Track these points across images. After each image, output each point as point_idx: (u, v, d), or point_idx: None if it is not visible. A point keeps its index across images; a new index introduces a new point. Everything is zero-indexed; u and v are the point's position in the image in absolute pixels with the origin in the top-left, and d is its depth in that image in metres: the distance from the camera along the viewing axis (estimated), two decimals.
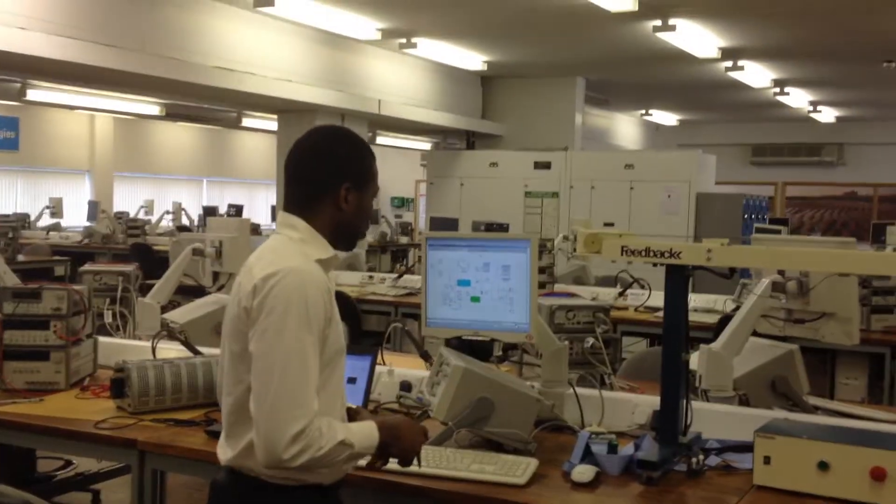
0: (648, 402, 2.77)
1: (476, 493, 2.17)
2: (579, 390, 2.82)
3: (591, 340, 3.11)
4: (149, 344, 3.32)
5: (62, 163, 14.97)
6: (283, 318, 1.86)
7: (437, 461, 2.30)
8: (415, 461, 2.10)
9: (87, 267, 4.06)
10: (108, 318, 3.78)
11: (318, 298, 1.91)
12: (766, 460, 2.24)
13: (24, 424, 2.73)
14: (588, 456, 2.38)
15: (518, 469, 2.25)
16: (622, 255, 2.45)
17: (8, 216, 11.84)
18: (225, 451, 2.01)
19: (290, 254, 1.98)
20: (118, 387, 2.83)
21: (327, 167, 2.06)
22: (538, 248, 2.79)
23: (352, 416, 2.13)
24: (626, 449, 2.42)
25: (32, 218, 12.57)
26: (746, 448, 2.46)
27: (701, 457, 2.39)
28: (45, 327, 3.09)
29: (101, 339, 3.51)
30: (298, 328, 1.87)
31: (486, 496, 2.16)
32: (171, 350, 3.32)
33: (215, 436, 2.51)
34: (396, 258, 12.45)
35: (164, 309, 3.88)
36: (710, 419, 2.63)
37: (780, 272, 3.02)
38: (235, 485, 1.98)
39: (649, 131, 16.44)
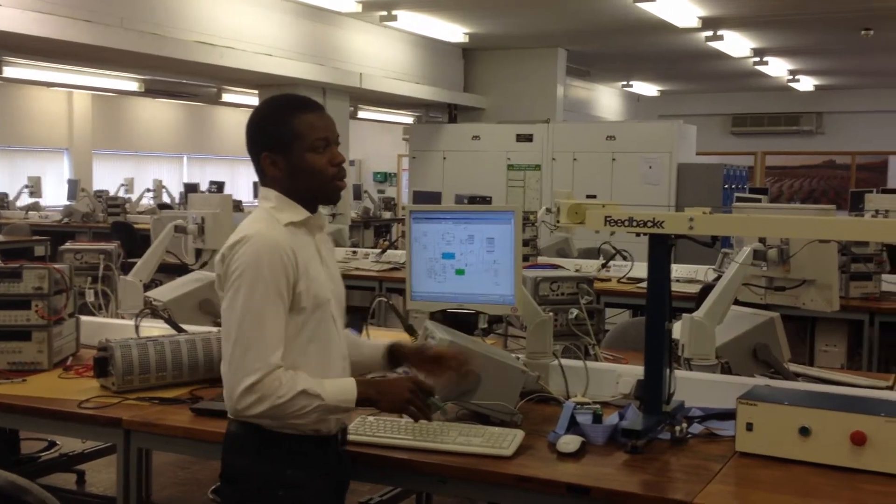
0: (632, 371, 2.79)
1: (463, 465, 2.19)
2: (564, 361, 2.84)
3: (575, 312, 3.12)
4: (132, 322, 3.30)
5: (40, 141, 14.80)
6: (239, 281, 2.02)
7: (423, 434, 2.31)
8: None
9: (67, 245, 4.03)
10: (90, 297, 3.75)
11: (274, 260, 2.03)
12: (749, 427, 2.26)
13: (7, 405, 2.70)
14: (573, 426, 2.39)
15: (504, 441, 2.27)
16: (605, 225, 2.45)
17: None
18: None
19: (257, 221, 2.11)
20: (102, 366, 2.82)
21: (250, 143, 2.19)
22: (521, 220, 2.79)
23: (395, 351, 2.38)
24: (611, 418, 2.43)
25: (11, 197, 12.45)
26: (729, 415, 2.49)
27: (684, 425, 2.41)
28: (27, 307, 3.06)
29: (84, 318, 3.49)
30: (253, 289, 2.01)
31: (473, 468, 2.17)
32: (154, 328, 3.31)
33: (201, 413, 2.54)
34: (379, 233, 12.42)
35: (147, 287, 3.86)
36: (693, 387, 2.65)
37: (761, 240, 3.04)
38: (241, 431, 2.10)
39: (630, 102, 16.43)
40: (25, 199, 12.25)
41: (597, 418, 2.42)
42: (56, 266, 3.18)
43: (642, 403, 2.48)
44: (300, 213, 2.16)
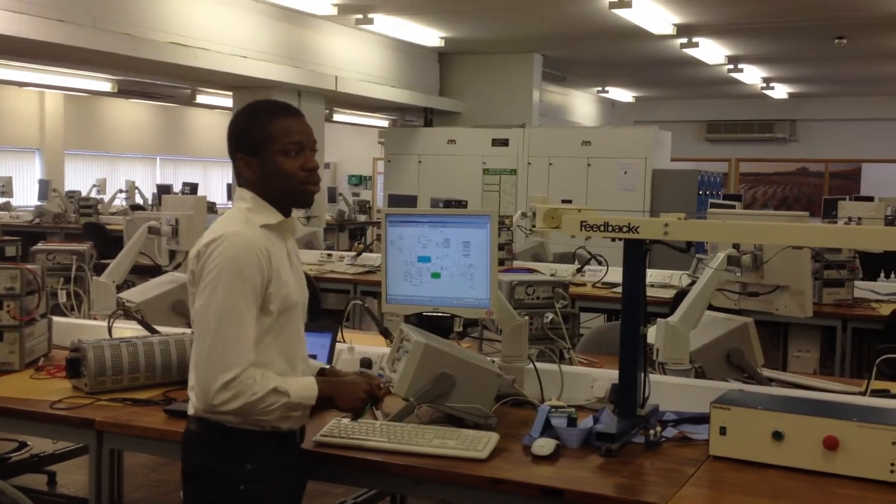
0: (607, 375, 2.81)
1: (437, 468, 2.18)
2: (539, 365, 2.85)
3: (550, 315, 3.12)
4: (104, 324, 3.27)
5: (11, 141, 14.62)
6: (217, 278, 2.05)
7: (398, 436, 2.31)
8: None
9: (39, 246, 3.98)
10: (62, 298, 3.71)
11: (251, 261, 2.08)
12: (722, 431, 2.28)
13: None
14: (548, 429, 2.40)
15: (479, 443, 2.27)
16: (581, 230, 2.47)
17: None
18: (192, 403, 2.15)
19: (233, 221, 2.14)
20: (74, 366, 2.79)
21: (229, 145, 2.23)
22: (497, 224, 2.79)
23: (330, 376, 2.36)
24: (586, 422, 2.44)
25: None
26: (703, 419, 2.51)
27: (658, 429, 2.43)
28: None
29: (56, 318, 3.46)
30: (231, 287, 2.05)
31: (447, 470, 2.17)
32: (127, 329, 3.28)
33: (174, 415, 2.52)
34: (354, 236, 12.40)
35: (120, 288, 3.83)
36: (667, 392, 2.67)
37: (735, 246, 3.07)
38: (201, 428, 2.13)
39: (605, 108, 16.53)
40: None
41: (571, 422, 2.43)
42: (28, 266, 3.15)
43: (617, 407, 2.49)
44: (274, 216, 2.21)
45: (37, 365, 3.10)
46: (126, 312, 3.35)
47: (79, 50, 6.92)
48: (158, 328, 3.23)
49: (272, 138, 2.17)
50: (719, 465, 2.24)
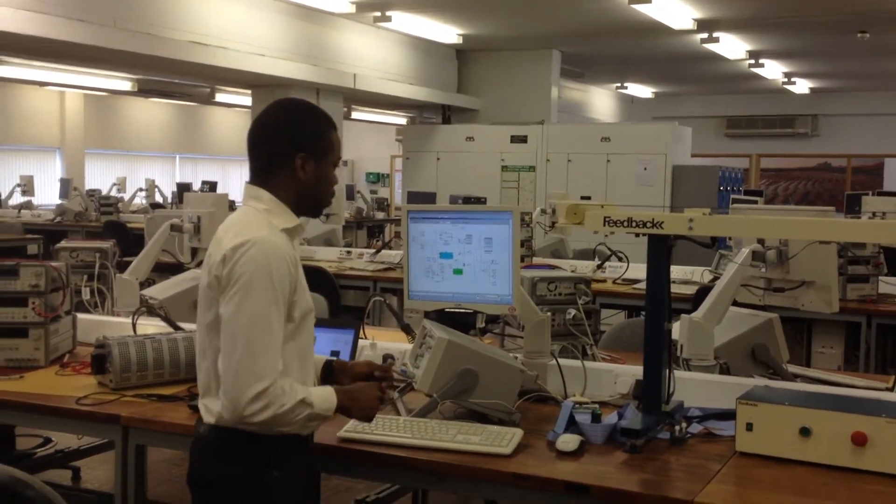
0: (630, 371, 2.80)
1: (462, 464, 2.18)
2: (562, 361, 2.84)
3: (572, 312, 3.12)
4: (128, 320, 3.28)
5: (32, 140, 14.74)
6: (248, 285, 1.99)
7: (422, 432, 2.31)
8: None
9: (63, 244, 4.01)
10: (86, 295, 3.74)
11: (282, 268, 2.04)
12: (749, 427, 2.26)
13: (5, 401, 2.69)
14: (572, 425, 2.39)
15: (503, 439, 2.26)
16: (604, 225, 2.45)
17: None
18: (206, 410, 2.12)
19: (256, 224, 2.08)
20: (99, 363, 2.80)
21: (282, 139, 2.16)
22: (519, 220, 2.78)
23: (338, 369, 2.37)
24: (610, 418, 2.43)
25: (3, 196, 12.39)
26: (728, 415, 2.49)
27: (683, 425, 2.41)
28: (24, 304, 3.05)
29: (80, 315, 3.48)
30: (263, 295, 2.00)
31: (472, 466, 2.17)
32: (150, 326, 3.29)
33: (199, 410, 2.51)
34: (373, 234, 12.41)
35: (142, 286, 3.85)
36: (692, 388, 2.65)
37: (760, 241, 3.04)
38: (219, 435, 2.08)
39: (624, 104, 16.45)
40: (18, 198, 12.19)
41: (595, 418, 2.42)
42: (53, 264, 3.17)
43: (641, 403, 2.48)
44: (292, 220, 2.17)
45: (62, 361, 3.13)
46: (149, 309, 3.36)
47: (99, 49, 6.97)
48: (181, 325, 3.24)
49: (332, 148, 2.21)
50: (745, 462, 2.23)
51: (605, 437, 2.35)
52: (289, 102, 2.27)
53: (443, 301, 2.79)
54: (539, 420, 2.54)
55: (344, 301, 6.51)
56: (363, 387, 2.25)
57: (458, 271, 2.75)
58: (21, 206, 12.08)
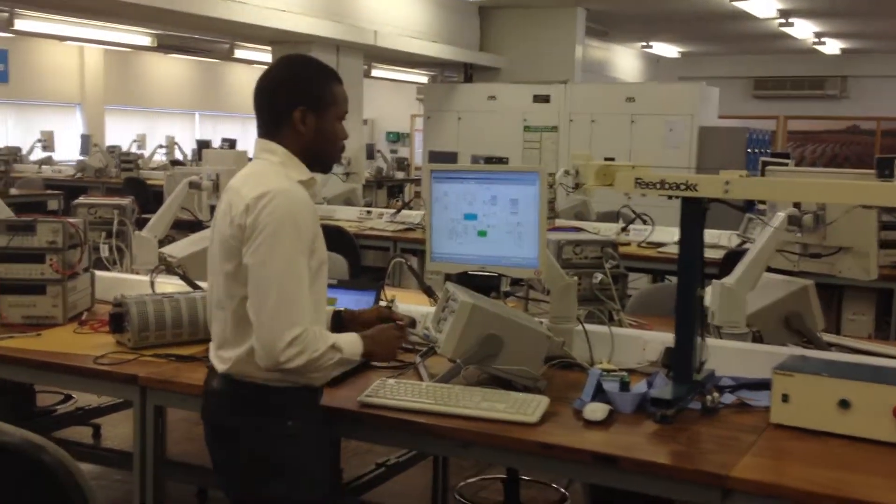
0: (659, 338, 2.71)
1: (487, 432, 2.12)
2: (588, 327, 2.76)
3: (599, 276, 3.03)
4: (146, 278, 3.24)
5: (53, 95, 14.71)
6: (276, 233, 2.02)
7: (445, 398, 2.25)
8: None
9: (81, 200, 3.96)
10: (104, 253, 3.68)
11: (306, 216, 2.07)
12: (785, 398, 2.18)
13: (22, 359, 2.66)
14: (600, 394, 2.32)
15: (529, 407, 2.20)
16: (636, 187, 2.36)
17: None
18: (222, 361, 2.14)
19: (275, 176, 2.11)
20: (117, 322, 2.76)
21: (281, 92, 2.19)
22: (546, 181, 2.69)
23: (347, 318, 2.44)
24: (639, 386, 2.36)
25: (24, 151, 12.38)
26: (762, 385, 2.42)
27: (715, 395, 2.33)
28: (41, 260, 3.01)
29: (98, 273, 3.44)
30: (291, 243, 2.03)
31: (497, 434, 2.10)
32: (169, 284, 3.25)
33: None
34: (392, 193, 12.32)
35: (161, 244, 3.79)
36: (724, 356, 2.57)
37: (796, 205, 2.93)
38: (234, 389, 2.12)
39: (650, 64, 16.18)
40: (39, 154, 12.18)
41: (624, 386, 2.34)
42: (71, 220, 3.12)
43: (671, 371, 2.40)
44: (305, 173, 2.21)
45: (80, 319, 3.09)
46: (168, 267, 3.31)
47: (118, 3, 6.87)
48: (200, 283, 3.19)
49: (335, 101, 2.22)
50: (781, 434, 2.15)
51: (633, 406, 2.28)
52: (289, 57, 2.31)
53: (466, 263, 2.71)
54: (565, 387, 2.47)
55: (364, 261, 6.46)
56: (383, 329, 2.32)
57: (482, 233, 2.67)
58: (42, 162, 12.08)
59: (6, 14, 8.52)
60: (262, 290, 2.02)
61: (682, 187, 2.30)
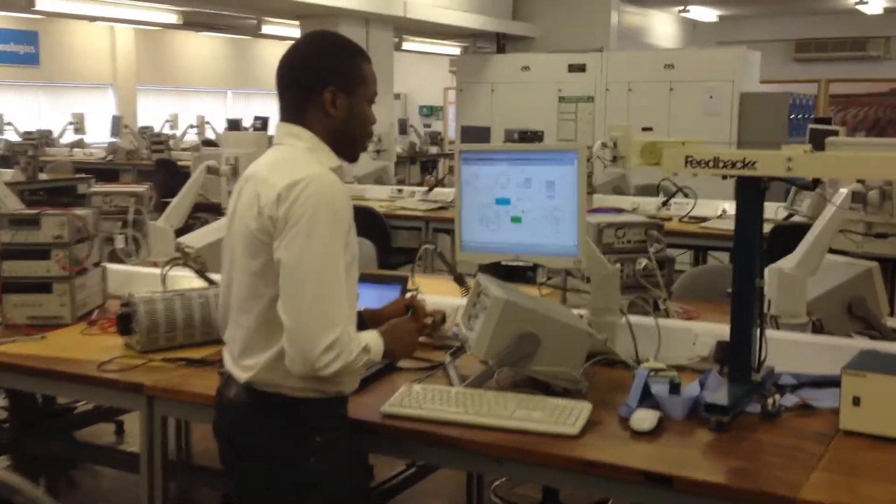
0: (711, 330, 2.48)
1: (522, 446, 1.90)
2: (632, 319, 2.52)
3: (643, 262, 2.79)
4: (162, 272, 3.06)
5: (84, 77, 14.67)
6: (312, 224, 1.83)
7: (476, 407, 2.04)
8: None
9: (96, 188, 3.79)
10: (119, 244, 3.51)
11: (344, 204, 1.89)
12: (856, 401, 1.95)
13: (22, 367, 2.49)
14: (647, 397, 2.10)
15: (569, 416, 1.98)
16: (686, 166, 2.12)
17: (31, 133, 11.65)
18: (243, 369, 1.95)
19: (305, 162, 1.93)
20: (124, 323, 2.58)
21: (310, 72, 2.00)
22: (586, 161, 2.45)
23: (370, 318, 2.22)
24: (691, 388, 2.13)
25: (56, 134, 12.33)
26: (826, 383, 2.19)
27: (776, 396, 2.10)
28: (46, 257, 2.83)
29: (112, 266, 3.27)
30: (328, 235, 1.84)
31: (534, 449, 1.89)
32: (187, 277, 3.07)
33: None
34: (426, 169, 12.10)
35: (182, 232, 3.62)
36: (782, 349, 2.32)
37: (860, 180, 2.67)
38: (256, 401, 1.93)
39: (687, 29, 15.69)
40: (70, 136, 12.12)
41: (674, 388, 2.12)
42: (77, 212, 2.94)
43: (729, 371, 2.18)
44: (334, 160, 2.01)
45: (89, 318, 2.91)
46: (185, 260, 3.13)
47: None
48: (217, 276, 3.00)
49: (366, 82, 2.03)
50: (852, 443, 1.92)
51: (685, 411, 2.05)
52: (316, 34, 2.08)
53: (499, 252, 2.49)
54: (608, 389, 2.25)
55: (395, 242, 6.26)
56: (397, 323, 2.14)
57: (516, 219, 2.44)
58: (73, 145, 12.02)
59: None
60: (297, 288, 1.82)
61: (739, 165, 2.06)
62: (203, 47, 16.18)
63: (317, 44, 2.03)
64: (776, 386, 2.22)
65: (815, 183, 2.18)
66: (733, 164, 2.07)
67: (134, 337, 2.57)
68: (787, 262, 2.56)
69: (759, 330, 2.14)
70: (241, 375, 1.95)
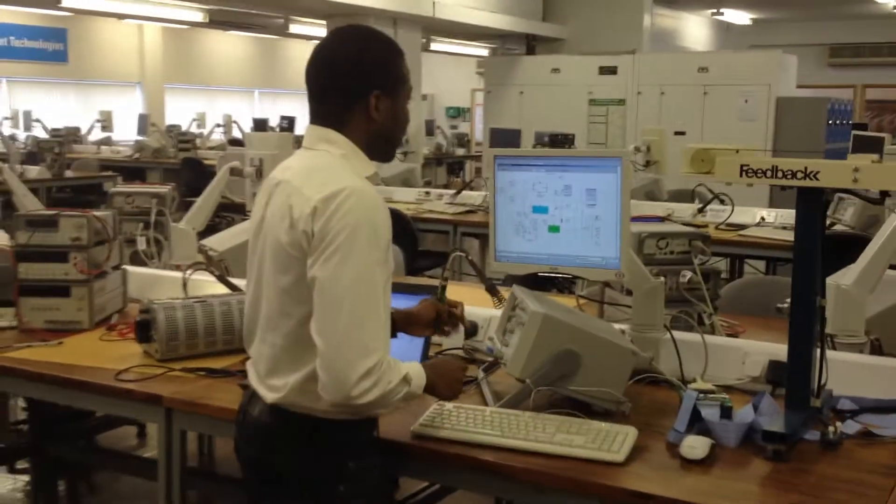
0: (762, 349, 2.33)
1: (565, 474, 1.76)
2: (676, 335, 2.38)
3: (688, 274, 2.64)
4: (185, 275, 2.95)
5: (112, 75, 14.71)
6: (350, 243, 1.68)
7: (513, 429, 1.90)
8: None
9: (118, 188, 3.70)
10: (141, 246, 3.42)
11: (384, 220, 1.74)
12: None
13: (37, 374, 2.38)
14: (696, 421, 1.96)
15: (614, 441, 1.84)
16: (742, 176, 1.98)
17: (58, 130, 11.66)
18: (270, 389, 1.81)
19: (341, 172, 1.77)
20: (144, 330, 2.47)
21: (353, 75, 1.82)
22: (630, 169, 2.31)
23: (400, 321, 2.08)
24: (744, 412, 1.98)
25: (83, 132, 12.34)
26: (889, 409, 2.03)
27: (838, 424, 1.95)
28: (64, 259, 2.73)
29: (134, 269, 3.17)
30: (368, 253, 1.69)
31: (577, 478, 1.75)
32: (210, 282, 2.96)
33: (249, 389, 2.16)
34: (452, 171, 12.00)
35: (204, 235, 3.52)
36: (840, 371, 2.16)
37: None
38: (284, 422, 1.80)
39: (720, 32, 15.48)
40: (98, 134, 12.12)
41: (726, 412, 1.98)
42: (97, 213, 2.84)
43: (779, 390, 2.03)
44: (369, 167, 1.85)
45: (109, 323, 2.81)
46: (207, 264, 3.03)
47: None
48: (241, 281, 2.89)
49: (405, 79, 1.89)
50: None
51: (739, 438, 1.91)
52: (353, 32, 1.89)
53: (536, 264, 2.35)
54: (652, 411, 2.11)
55: (422, 245, 6.14)
56: (447, 362, 2.03)
57: (554, 228, 2.30)
58: (101, 142, 12.02)
59: None
60: (332, 311, 1.68)
61: (800, 176, 1.91)
62: (230, 46, 16.18)
63: (357, 43, 1.85)
64: (834, 411, 2.07)
65: (884, 196, 2.02)
66: (794, 174, 1.92)
67: (153, 345, 2.46)
68: (845, 277, 2.41)
69: (819, 351, 1.98)
70: (268, 395, 1.82)
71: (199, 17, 10.27)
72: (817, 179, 1.90)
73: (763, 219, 5.68)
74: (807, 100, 9.37)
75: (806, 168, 1.91)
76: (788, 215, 5.62)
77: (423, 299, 2.22)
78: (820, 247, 1.99)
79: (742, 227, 5.48)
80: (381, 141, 1.87)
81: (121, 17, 12.09)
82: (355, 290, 1.67)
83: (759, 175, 1.96)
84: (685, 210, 5.86)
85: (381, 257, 1.72)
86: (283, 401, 1.79)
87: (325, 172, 1.77)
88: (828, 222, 5.11)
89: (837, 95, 10.20)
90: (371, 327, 1.68)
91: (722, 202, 5.73)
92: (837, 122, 9.01)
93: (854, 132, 6.20)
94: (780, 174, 1.94)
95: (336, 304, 1.67)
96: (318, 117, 1.86)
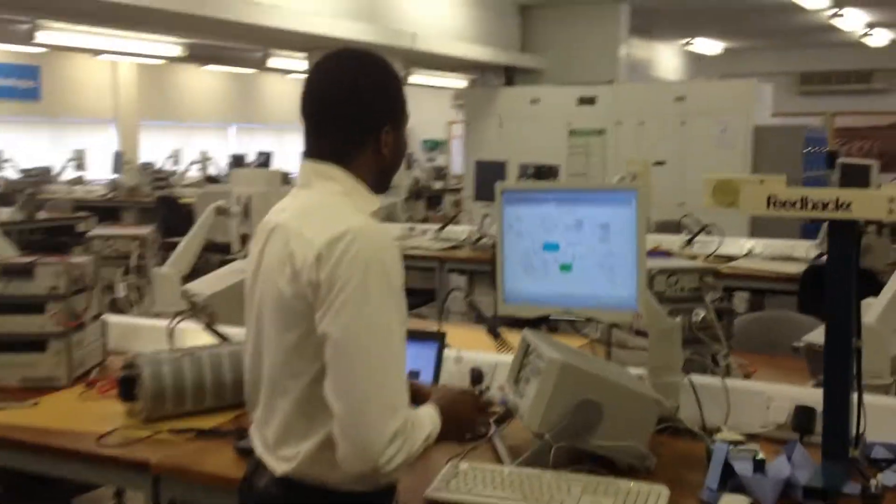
0: (785, 393, 2.21)
1: None
2: (695, 379, 2.25)
3: (701, 313, 2.52)
4: (167, 324, 2.79)
5: (86, 112, 14.50)
6: (361, 290, 1.52)
7: (534, 491, 1.76)
8: None
9: (96, 231, 3.54)
10: (120, 293, 3.25)
11: (395, 261, 1.59)
12: None
13: (11, 440, 2.19)
14: (728, 476, 1.82)
15: (645, 503, 1.70)
16: (769, 208, 1.87)
17: (29, 170, 11.42)
18: (281, 460, 1.62)
19: (344, 211, 1.62)
20: (127, 387, 2.29)
21: (364, 109, 1.68)
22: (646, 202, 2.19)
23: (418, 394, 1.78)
24: (777, 465, 1.85)
25: (56, 171, 12.10)
26: None
27: (879, 476, 1.83)
28: (41, 311, 2.55)
29: (113, 318, 3.00)
30: (382, 300, 1.53)
31: None
32: (196, 331, 2.79)
33: (248, 454, 1.99)
34: (431, 204, 11.88)
35: (188, 278, 3.36)
36: (869, 416, 2.05)
37: None
38: (295, 496, 1.61)
39: (691, 62, 15.59)
40: (71, 173, 11.89)
41: (758, 465, 1.84)
42: (75, 260, 2.67)
43: (808, 438, 1.91)
44: (373, 202, 1.70)
45: (88, 379, 2.62)
46: (193, 311, 2.86)
47: (146, 10, 6.49)
48: (229, 330, 2.73)
49: (404, 108, 1.76)
50: None
51: (777, 495, 1.78)
52: (353, 57, 1.71)
53: (547, 306, 2.22)
54: (677, 463, 1.97)
55: (408, 283, 5.99)
56: (457, 398, 1.79)
57: (565, 267, 2.17)
58: (74, 182, 11.79)
59: (28, 26, 8.16)
60: (349, 369, 1.51)
61: (832, 207, 1.80)
62: (206, 82, 16.05)
63: (366, 72, 1.69)
64: (869, 460, 1.95)
65: None
66: (825, 206, 1.82)
67: (138, 404, 2.28)
68: (867, 314, 2.30)
69: (856, 397, 1.86)
70: (278, 467, 1.62)
71: (177, 51, 10.15)
72: (849, 210, 1.79)
73: (750, 250, 5.60)
74: (784, 128, 9.42)
75: (837, 199, 1.80)
76: (775, 246, 5.56)
77: (463, 391, 1.96)
78: (854, 282, 1.87)
79: (732, 258, 5.40)
80: (384, 175, 1.74)
81: (96, 52, 11.93)
82: (372, 343, 1.51)
83: (787, 206, 1.86)
84: (672, 242, 5.76)
85: (395, 302, 1.55)
86: (294, 472, 1.60)
87: (325, 211, 1.61)
88: (818, 253, 5.06)
89: (810, 123, 10.25)
90: (393, 383, 1.52)
91: (709, 233, 5.66)
92: (813, 149, 9.04)
93: (841, 160, 6.17)
94: (810, 205, 1.83)
95: (352, 360, 1.51)
96: (316, 152, 1.69)
